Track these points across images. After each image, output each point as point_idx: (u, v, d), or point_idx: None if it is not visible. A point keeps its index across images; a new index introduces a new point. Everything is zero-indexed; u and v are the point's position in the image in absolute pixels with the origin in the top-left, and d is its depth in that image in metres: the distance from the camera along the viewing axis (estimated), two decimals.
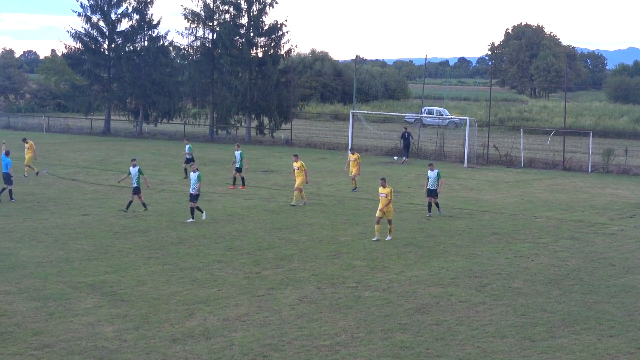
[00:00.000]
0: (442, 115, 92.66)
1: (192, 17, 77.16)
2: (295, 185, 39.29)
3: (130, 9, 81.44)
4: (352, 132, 65.65)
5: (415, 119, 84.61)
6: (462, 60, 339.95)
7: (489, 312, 21.91)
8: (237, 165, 43.84)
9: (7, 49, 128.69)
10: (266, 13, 76.10)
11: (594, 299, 23.41)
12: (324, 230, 32.89)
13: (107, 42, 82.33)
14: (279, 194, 41.98)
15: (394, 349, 18.86)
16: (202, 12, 77.12)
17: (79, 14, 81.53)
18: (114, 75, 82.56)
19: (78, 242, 29.40)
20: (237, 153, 43.89)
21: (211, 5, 77.00)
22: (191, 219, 33.83)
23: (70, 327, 20.01)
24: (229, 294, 23.21)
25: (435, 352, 18.66)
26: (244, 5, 76.22)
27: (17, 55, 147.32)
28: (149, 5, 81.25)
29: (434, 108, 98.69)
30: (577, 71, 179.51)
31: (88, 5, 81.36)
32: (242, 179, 44.23)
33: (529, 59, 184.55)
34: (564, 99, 68.56)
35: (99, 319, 20.71)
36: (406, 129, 62.22)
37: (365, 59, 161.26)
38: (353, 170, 44.15)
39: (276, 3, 75.95)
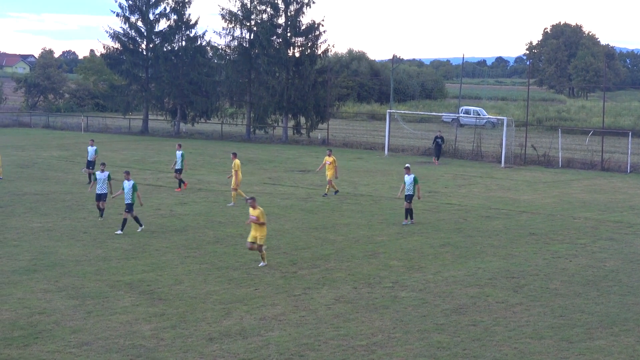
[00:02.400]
0: (479, 115, 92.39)
1: (230, 17, 77.41)
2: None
3: (168, 9, 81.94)
4: (389, 131, 65.59)
5: (453, 119, 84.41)
6: (499, 59, 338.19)
7: (526, 313, 21.78)
8: (177, 167, 42.41)
9: (47, 49, 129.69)
10: (303, 13, 76.26)
11: (633, 300, 23.20)
12: (361, 230, 32.87)
13: (145, 42, 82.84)
14: (316, 194, 42.00)
15: (430, 349, 18.81)
16: (239, 12, 77.34)
17: (117, 15, 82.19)
18: (152, 75, 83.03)
19: (116, 240, 29.59)
20: (179, 154, 42.45)
21: (248, 5, 77.20)
22: (120, 232, 31.07)
23: (108, 325, 20.14)
24: (266, 294, 23.25)
25: (472, 353, 18.58)
26: (281, 5, 76.34)
27: (56, 55, 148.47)
28: (187, 6, 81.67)
29: (472, 108, 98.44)
30: (616, 71, 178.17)
31: (126, 5, 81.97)
32: (180, 181, 42.52)
33: (567, 58, 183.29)
34: (603, 99, 68.15)
35: (137, 317, 20.82)
36: (440, 132, 61.34)
37: (403, 59, 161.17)
38: (329, 173, 41.55)
39: (313, 3, 76.06)
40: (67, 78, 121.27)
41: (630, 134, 60.21)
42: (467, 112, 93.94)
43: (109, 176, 33.77)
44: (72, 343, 18.80)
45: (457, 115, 78.35)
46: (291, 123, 77.89)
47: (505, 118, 62.44)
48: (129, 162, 54.80)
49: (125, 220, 31.13)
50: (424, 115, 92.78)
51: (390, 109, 71.13)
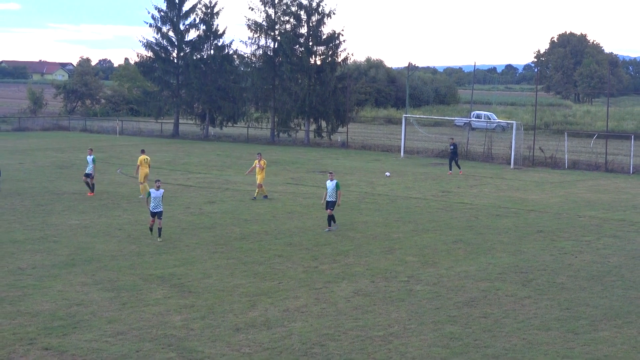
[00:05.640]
0: (490, 119, 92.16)
1: (255, 27, 77.50)
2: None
3: (197, 20, 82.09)
4: (405, 135, 65.47)
5: (465, 123, 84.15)
6: (509, 67, 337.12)
7: (534, 305, 21.70)
8: (87, 171, 40.02)
9: (85, 57, 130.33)
10: (324, 23, 76.23)
11: (635, 294, 23.06)
12: (378, 227, 32.83)
13: (176, 51, 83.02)
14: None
15: (443, 339, 18.77)
16: (264, 23, 77.40)
17: (150, 25, 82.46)
18: (182, 81, 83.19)
19: (149, 237, 29.65)
20: (89, 158, 40.09)
21: (273, 16, 77.26)
22: (160, 239, 29.39)
23: (141, 316, 20.20)
24: (289, 287, 23.26)
25: (482, 344, 18.53)
26: (303, 16, 76.33)
27: (93, 63, 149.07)
28: (215, 17, 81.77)
29: (483, 112, 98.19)
30: (619, 77, 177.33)
31: (159, 17, 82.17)
32: (90, 184, 40.15)
33: (573, 66, 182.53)
34: (607, 104, 67.68)
35: (168, 308, 20.87)
36: (452, 138, 57.28)
37: (417, 66, 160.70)
38: (259, 177, 39.61)
39: (334, 14, 76.08)
40: (103, 85, 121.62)
41: (632, 137, 59.82)
42: (478, 116, 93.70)
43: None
44: (107, 332, 18.87)
45: (469, 119, 78.05)
46: (313, 127, 77.85)
47: (514, 122, 62.16)
48: (161, 163, 54.93)
49: (160, 228, 29.29)
50: (437, 120, 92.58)
51: (406, 114, 71.02)
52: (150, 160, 40.84)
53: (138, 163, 40.03)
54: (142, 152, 41.16)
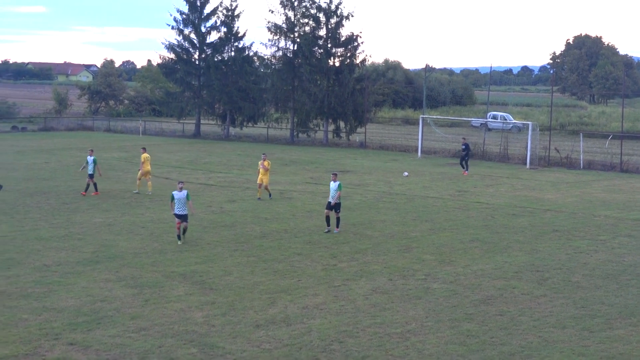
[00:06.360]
0: (506, 120, 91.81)
1: (275, 29, 77.51)
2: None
3: (218, 23, 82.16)
4: (422, 135, 65.37)
5: (481, 124, 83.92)
6: (525, 68, 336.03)
7: (550, 304, 21.63)
8: (90, 172, 39.50)
9: (109, 59, 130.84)
10: (343, 25, 76.11)
11: None
12: (395, 226, 32.79)
13: (197, 53, 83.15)
14: (354, 192, 41.95)
15: (460, 337, 18.74)
16: (284, 25, 77.40)
17: (172, 28, 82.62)
18: (203, 83, 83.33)
19: (171, 235, 29.74)
20: (90, 159, 39.63)
21: (292, 18, 77.24)
22: (181, 242, 28.67)
23: (163, 312, 20.27)
24: (308, 284, 23.28)
25: (499, 341, 18.49)
26: (322, 19, 76.27)
27: (117, 64, 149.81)
28: (236, 19, 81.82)
29: (499, 113, 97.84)
30: (634, 79, 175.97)
31: (181, 19, 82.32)
32: (91, 185, 39.75)
33: (588, 67, 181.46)
34: (622, 105, 67.33)
35: (190, 305, 20.93)
36: (464, 138, 56.52)
37: (434, 68, 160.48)
38: (264, 179, 38.97)
39: (352, 16, 75.92)
40: (126, 86, 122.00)
41: None
42: (494, 117, 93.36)
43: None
44: (131, 328, 18.95)
45: (485, 120, 77.82)
46: (331, 127, 77.80)
47: (530, 123, 61.93)
48: (183, 163, 55.08)
49: (184, 230, 28.81)
50: (454, 120, 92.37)
51: (423, 114, 70.95)
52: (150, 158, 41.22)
53: (142, 160, 40.26)
54: (144, 150, 41.31)
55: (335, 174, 32.00)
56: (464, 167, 52.49)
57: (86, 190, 39.47)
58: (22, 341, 17.97)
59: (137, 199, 38.55)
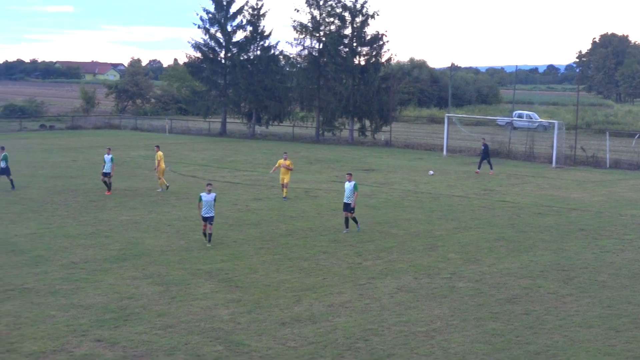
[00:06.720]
0: (532, 119, 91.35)
1: (301, 28, 77.58)
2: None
3: (244, 22, 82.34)
4: (448, 134, 65.18)
5: (507, 123, 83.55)
6: (551, 67, 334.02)
7: (576, 303, 21.50)
8: (105, 170, 39.39)
9: (136, 58, 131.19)
10: (368, 24, 76.05)
11: None
12: (421, 224, 32.71)
13: (223, 52, 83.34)
14: (379, 191, 41.90)
15: (485, 336, 18.66)
16: (309, 24, 77.44)
17: (199, 27, 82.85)
18: (229, 81, 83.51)
19: (197, 233, 29.81)
20: (107, 157, 39.51)
21: (318, 17, 77.26)
22: (209, 244, 28.11)
23: (190, 309, 20.33)
24: (333, 282, 23.27)
25: (524, 340, 18.40)
26: (348, 18, 76.24)
27: (144, 64, 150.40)
28: (261, 18, 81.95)
29: (524, 112, 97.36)
30: None
31: (207, 18, 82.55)
32: (107, 184, 39.61)
33: (614, 66, 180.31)
34: None
35: (216, 303, 20.98)
36: (483, 138, 56.08)
37: (460, 67, 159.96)
38: (286, 178, 38.75)
39: (377, 15, 75.86)
40: (153, 84, 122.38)
41: None
42: (520, 116, 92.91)
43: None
44: (157, 325, 19.02)
45: (511, 119, 77.50)
46: (357, 126, 77.76)
47: (556, 122, 61.56)
48: (209, 161, 55.23)
49: (207, 232, 28.19)
50: (479, 119, 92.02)
51: (449, 113, 70.69)
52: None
53: (158, 159, 40.34)
54: (158, 148, 41.36)
55: (350, 174, 31.64)
56: (492, 167, 52.16)
57: (110, 188, 39.65)
58: (50, 337, 18.09)
59: (164, 197, 38.69)
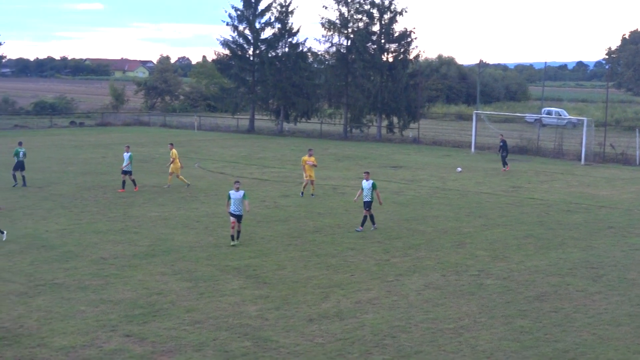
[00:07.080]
0: (560, 115, 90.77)
1: (329, 25, 77.55)
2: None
3: (272, 19, 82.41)
4: (476, 131, 64.94)
5: (535, 120, 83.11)
6: (580, 64, 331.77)
7: (605, 301, 21.35)
8: (127, 169, 39.18)
9: (164, 55, 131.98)
10: (396, 21, 75.86)
11: None
12: (449, 222, 32.61)
13: (252, 49, 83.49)
14: (407, 188, 41.81)
15: (514, 333, 18.58)
16: (337, 21, 77.40)
17: (227, 24, 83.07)
18: (258, 78, 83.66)
19: (225, 229, 29.89)
20: (126, 155, 39.28)
21: (346, 14, 77.22)
22: (234, 242, 27.74)
23: (218, 305, 20.39)
24: (361, 279, 23.26)
25: (553, 338, 18.30)
26: (376, 14, 76.13)
27: (172, 61, 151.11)
28: (290, 15, 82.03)
29: (553, 109, 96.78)
30: None
31: (235, 16, 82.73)
32: (129, 181, 39.54)
33: None
34: None
35: (244, 299, 21.03)
36: (501, 135, 54.57)
37: (488, 63, 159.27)
38: (311, 173, 38.55)
39: (406, 12, 75.70)
40: (181, 81, 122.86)
41: None
42: (549, 113, 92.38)
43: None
44: (186, 321, 19.09)
45: (540, 116, 77.07)
46: (385, 123, 77.65)
47: (585, 119, 61.14)
48: (237, 158, 55.36)
49: (236, 230, 27.83)
50: (508, 116, 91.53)
51: (477, 110, 70.37)
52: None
53: (173, 156, 40.42)
54: (172, 145, 41.38)
55: (368, 173, 31.26)
56: (505, 164, 51.78)
57: (135, 185, 39.69)
58: (80, 332, 18.22)
59: (192, 193, 38.83)
